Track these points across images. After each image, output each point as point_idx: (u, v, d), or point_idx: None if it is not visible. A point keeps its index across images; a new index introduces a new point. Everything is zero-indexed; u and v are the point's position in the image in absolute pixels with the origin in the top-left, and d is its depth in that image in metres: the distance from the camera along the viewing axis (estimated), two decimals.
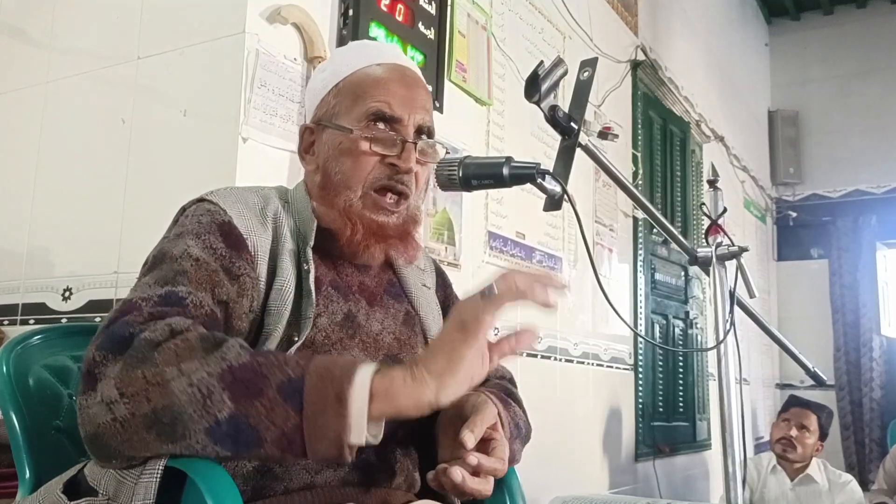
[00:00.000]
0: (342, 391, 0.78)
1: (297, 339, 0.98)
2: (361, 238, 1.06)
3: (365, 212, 1.06)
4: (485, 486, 0.98)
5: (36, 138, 2.12)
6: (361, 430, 0.79)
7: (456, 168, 1.03)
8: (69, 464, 0.98)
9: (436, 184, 1.07)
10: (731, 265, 1.36)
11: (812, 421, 3.25)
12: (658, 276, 3.96)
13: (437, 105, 2.32)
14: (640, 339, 3.68)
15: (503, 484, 1.24)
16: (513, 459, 1.17)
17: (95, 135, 2.00)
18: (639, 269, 3.74)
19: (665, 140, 4.17)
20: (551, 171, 1.03)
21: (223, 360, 0.79)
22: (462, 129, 2.49)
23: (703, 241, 1.40)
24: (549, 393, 2.97)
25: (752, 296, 1.30)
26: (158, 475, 0.80)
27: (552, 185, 1.03)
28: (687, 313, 4.23)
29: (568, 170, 1.03)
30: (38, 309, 1.98)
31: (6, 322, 2.03)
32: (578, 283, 3.21)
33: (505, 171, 1.01)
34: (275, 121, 1.82)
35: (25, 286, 2.03)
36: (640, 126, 3.83)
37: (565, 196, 1.01)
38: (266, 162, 1.79)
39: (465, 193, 2.52)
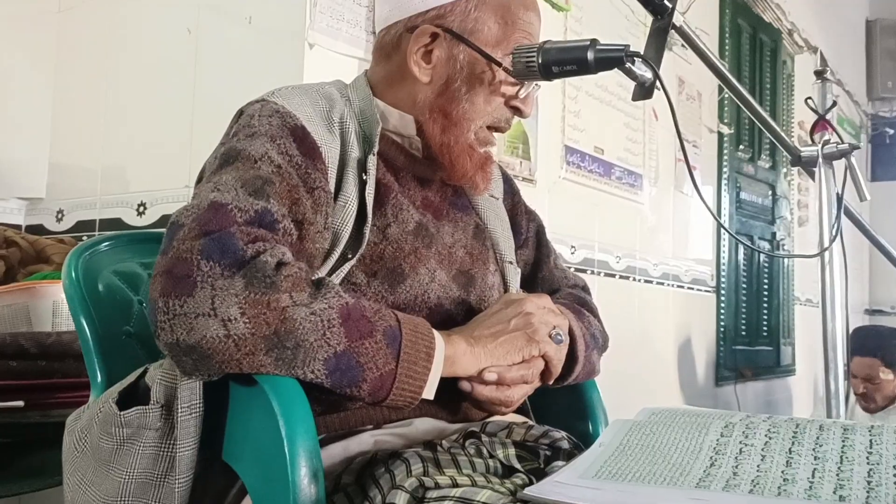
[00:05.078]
0: (431, 348, 0.84)
1: (350, 256, 0.91)
2: (471, 170, 1.01)
3: (476, 145, 1.01)
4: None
5: (104, 53, 2.09)
6: (433, 388, 0.85)
7: (535, 54, 0.94)
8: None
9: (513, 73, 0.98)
10: (839, 167, 1.23)
11: (875, 368, 3.06)
12: (743, 196, 3.77)
13: None
14: (722, 261, 3.54)
15: (584, 397, 1.18)
16: (592, 371, 1.11)
17: (162, 47, 1.96)
18: (723, 187, 3.57)
19: (754, 50, 3.91)
20: (642, 54, 0.92)
21: (338, 295, 0.80)
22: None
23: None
24: (627, 314, 2.89)
25: (862, 199, 1.18)
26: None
27: (642, 71, 0.93)
28: (774, 234, 4.04)
29: (661, 54, 0.93)
30: (115, 224, 2.00)
31: (85, 237, 2.05)
32: (659, 201, 3.08)
33: (590, 55, 0.91)
34: (342, 26, 1.74)
35: (102, 202, 2.04)
36: (727, 35, 3.59)
37: (657, 82, 0.91)
38: (334, 69, 1.71)
39: (541, 105, 2.41)
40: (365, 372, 0.79)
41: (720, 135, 3.57)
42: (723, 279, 3.57)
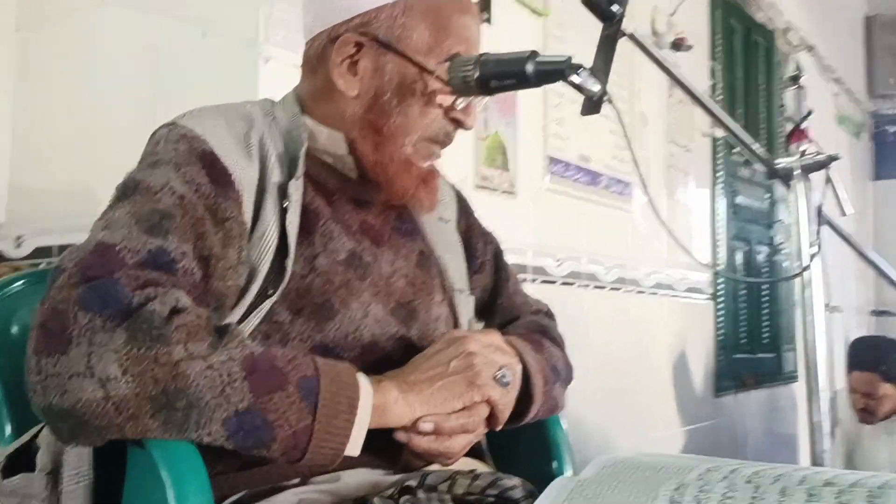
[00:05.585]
0: (355, 398, 0.76)
1: (271, 292, 0.83)
2: (412, 186, 0.93)
3: (416, 159, 0.93)
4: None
5: (63, 72, 2.02)
6: (359, 443, 0.77)
7: (471, 68, 0.86)
8: None
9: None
10: (819, 179, 1.14)
11: (874, 384, 2.95)
12: (739, 200, 3.68)
13: (486, 16, 2.11)
14: (719, 267, 3.44)
15: (547, 436, 1.09)
16: (554, 407, 1.02)
17: (120, 65, 1.89)
18: (718, 192, 3.47)
19: (747, 51, 3.82)
20: (589, 66, 0.84)
21: (241, 345, 0.72)
22: (514, 43, 2.25)
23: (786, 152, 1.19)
24: (619, 327, 2.79)
25: (843, 213, 1.09)
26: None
27: (590, 84, 0.84)
28: (772, 239, 3.94)
29: (608, 64, 0.84)
30: None
31: (44, 264, 1.97)
32: (650, 208, 2.99)
33: (529, 67, 0.83)
34: (300, 38, 1.66)
35: (60, 227, 1.96)
36: (718, 36, 3.50)
37: (605, 96, 0.82)
38: (292, 83, 1.63)
39: (521, 114, 2.32)
40: (275, 430, 0.71)
41: (714, 139, 3.47)
42: (720, 285, 3.47)
